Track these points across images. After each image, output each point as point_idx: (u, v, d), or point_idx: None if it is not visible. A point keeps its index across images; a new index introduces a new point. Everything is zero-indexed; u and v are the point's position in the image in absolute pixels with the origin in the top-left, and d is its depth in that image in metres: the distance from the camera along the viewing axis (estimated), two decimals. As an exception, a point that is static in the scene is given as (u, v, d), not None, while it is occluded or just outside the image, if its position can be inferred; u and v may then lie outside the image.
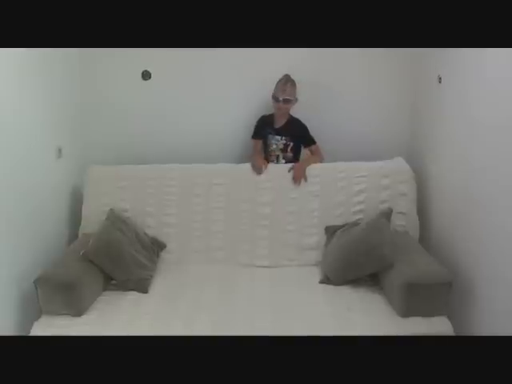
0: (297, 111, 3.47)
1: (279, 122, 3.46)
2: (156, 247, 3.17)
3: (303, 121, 3.46)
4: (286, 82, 3.33)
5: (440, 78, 3.10)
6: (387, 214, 3.00)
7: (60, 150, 3.20)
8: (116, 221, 3.03)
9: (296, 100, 3.37)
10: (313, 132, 3.48)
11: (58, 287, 2.57)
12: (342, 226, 3.13)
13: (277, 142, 3.46)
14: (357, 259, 2.81)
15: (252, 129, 3.53)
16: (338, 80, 3.58)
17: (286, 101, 3.34)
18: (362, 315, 2.59)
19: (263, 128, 3.50)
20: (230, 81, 3.59)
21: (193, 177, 3.31)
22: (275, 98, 3.36)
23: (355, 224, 3.07)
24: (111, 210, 3.11)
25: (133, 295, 2.81)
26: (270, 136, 3.47)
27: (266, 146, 3.51)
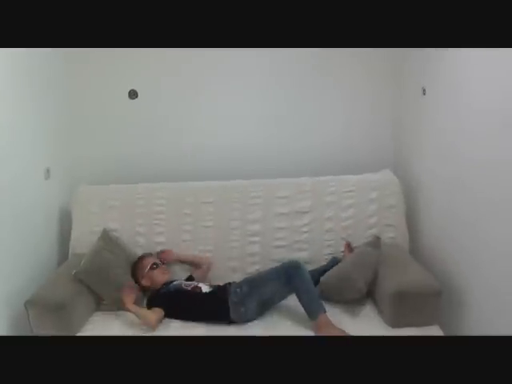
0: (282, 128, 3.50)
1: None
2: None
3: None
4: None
5: (424, 90, 3.13)
6: (374, 243, 2.97)
7: (48, 171, 3.19)
8: (108, 241, 3.06)
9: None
10: (298, 147, 3.59)
11: (49, 309, 2.56)
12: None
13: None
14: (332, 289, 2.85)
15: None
16: (321, 94, 3.61)
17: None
18: (352, 326, 2.59)
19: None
20: (217, 100, 3.61)
21: (181, 196, 3.31)
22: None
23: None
24: (104, 229, 3.13)
25: (124, 315, 2.79)
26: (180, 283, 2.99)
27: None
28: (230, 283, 2.88)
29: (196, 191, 3.32)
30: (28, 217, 2.92)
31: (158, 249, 3.21)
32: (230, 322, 2.70)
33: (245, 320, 2.71)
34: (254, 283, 2.79)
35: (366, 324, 2.63)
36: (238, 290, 2.76)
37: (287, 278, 2.71)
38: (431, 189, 3.12)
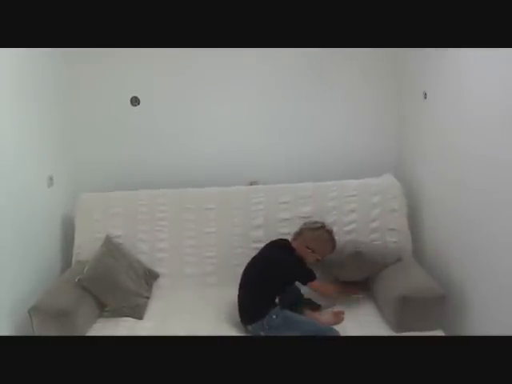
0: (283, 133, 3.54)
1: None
2: (149, 277, 3.15)
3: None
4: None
5: (425, 94, 3.14)
6: (399, 258, 3.00)
7: (51, 178, 3.21)
8: (111, 248, 3.06)
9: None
10: (299, 152, 3.63)
11: (52, 315, 2.56)
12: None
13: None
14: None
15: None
16: (322, 98, 3.62)
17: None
18: (355, 330, 2.60)
19: None
20: (218, 106, 3.62)
21: (184, 202, 3.31)
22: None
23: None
24: (107, 236, 3.14)
25: (127, 321, 2.80)
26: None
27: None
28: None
29: (197, 197, 3.33)
30: (31, 224, 2.92)
31: (161, 255, 3.23)
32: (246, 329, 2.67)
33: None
34: (290, 321, 2.62)
35: (369, 328, 2.63)
36: (274, 316, 2.61)
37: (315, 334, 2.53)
38: (434, 191, 3.11)
